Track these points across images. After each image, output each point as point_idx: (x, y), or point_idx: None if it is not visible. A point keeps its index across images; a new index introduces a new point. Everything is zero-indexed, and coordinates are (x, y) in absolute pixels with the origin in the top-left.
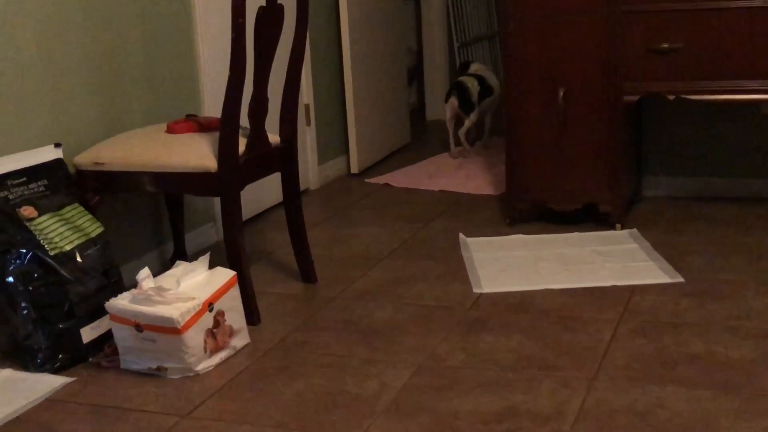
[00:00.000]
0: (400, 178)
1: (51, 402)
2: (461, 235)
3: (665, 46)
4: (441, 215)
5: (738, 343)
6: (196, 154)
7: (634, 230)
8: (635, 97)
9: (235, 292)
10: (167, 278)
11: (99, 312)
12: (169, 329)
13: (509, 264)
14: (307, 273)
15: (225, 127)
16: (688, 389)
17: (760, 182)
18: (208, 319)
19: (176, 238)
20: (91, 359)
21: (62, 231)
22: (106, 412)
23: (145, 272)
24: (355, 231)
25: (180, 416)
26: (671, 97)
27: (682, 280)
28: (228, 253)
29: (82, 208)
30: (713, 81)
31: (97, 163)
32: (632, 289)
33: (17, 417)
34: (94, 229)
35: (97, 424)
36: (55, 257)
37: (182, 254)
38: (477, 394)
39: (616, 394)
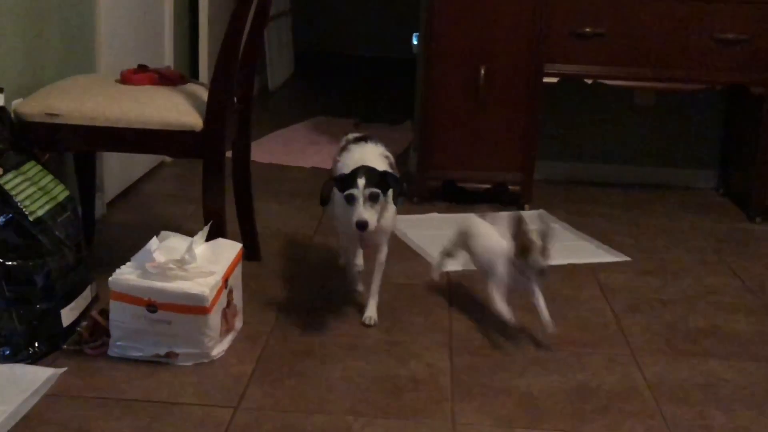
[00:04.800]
0: (260, 153)
1: (57, 398)
2: None
3: (588, 30)
4: None
5: (733, 318)
6: (176, 109)
7: (542, 211)
8: (555, 79)
9: (240, 268)
10: (171, 250)
11: (76, 290)
12: (193, 308)
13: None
14: (252, 250)
15: (218, 81)
16: (731, 362)
17: (629, 168)
18: (223, 298)
19: (86, 205)
20: (65, 346)
21: (30, 193)
22: (140, 407)
23: (155, 243)
24: (257, 207)
25: (232, 407)
26: (589, 81)
27: (629, 258)
28: (213, 224)
29: (40, 167)
30: (630, 68)
31: (49, 114)
32: (592, 268)
33: (26, 415)
34: (60, 191)
35: (144, 420)
36: (34, 224)
37: (91, 224)
38: (535, 373)
39: (669, 369)
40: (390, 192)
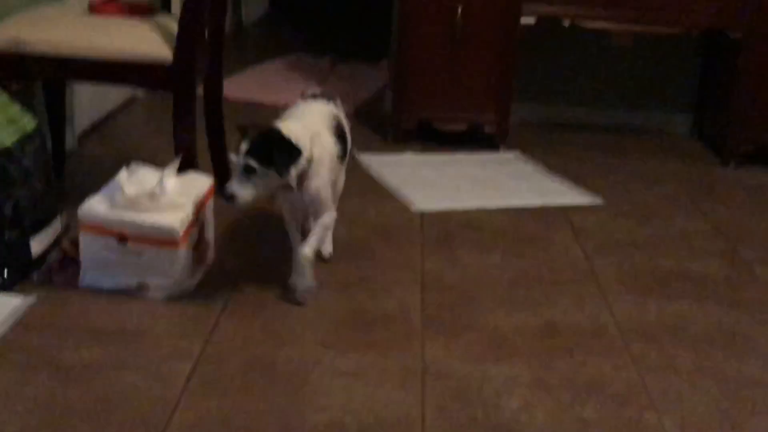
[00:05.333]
0: (233, 90)
1: (26, 327)
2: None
3: None
4: None
5: (703, 261)
6: (146, 40)
7: (518, 152)
8: (532, 20)
9: (212, 202)
10: (141, 182)
11: (46, 220)
12: (164, 241)
13: (425, 183)
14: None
15: (188, 12)
16: (700, 304)
17: (604, 111)
18: (195, 231)
19: (56, 137)
20: (34, 276)
21: None
22: (111, 337)
23: (125, 174)
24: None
25: (203, 339)
26: (566, 23)
27: (602, 201)
28: (184, 157)
29: (7, 96)
30: (608, 10)
31: (17, 43)
32: (565, 210)
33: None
34: (27, 121)
35: (114, 349)
36: (1, 154)
37: (61, 156)
38: (505, 311)
39: (638, 310)
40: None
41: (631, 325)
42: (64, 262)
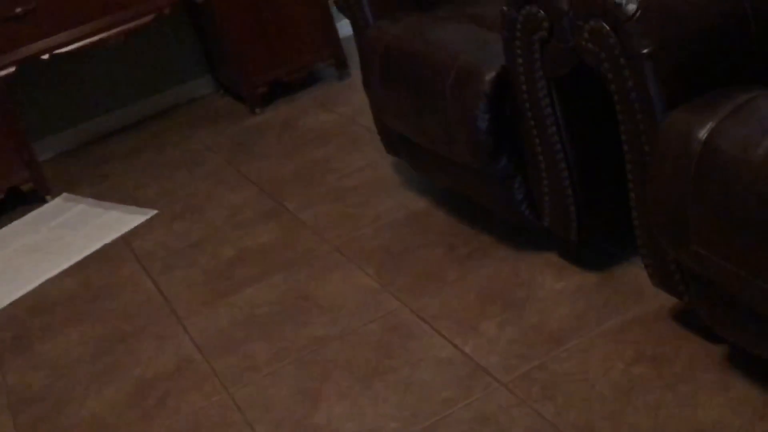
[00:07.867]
0: None
1: None
2: None
3: (19, 10)
4: None
5: (256, 232)
6: None
7: (64, 195)
8: (12, 69)
9: None
10: None
11: None
12: None
13: None
14: None
15: None
16: (262, 282)
17: (134, 108)
18: None
19: None
20: None
21: None
22: None
23: None
24: None
25: None
26: (45, 57)
27: (156, 210)
28: None
29: None
30: (77, 27)
31: None
32: (125, 239)
33: None
34: None
35: None
36: None
37: None
38: (97, 389)
39: (211, 320)
40: None
41: (209, 341)
42: None
